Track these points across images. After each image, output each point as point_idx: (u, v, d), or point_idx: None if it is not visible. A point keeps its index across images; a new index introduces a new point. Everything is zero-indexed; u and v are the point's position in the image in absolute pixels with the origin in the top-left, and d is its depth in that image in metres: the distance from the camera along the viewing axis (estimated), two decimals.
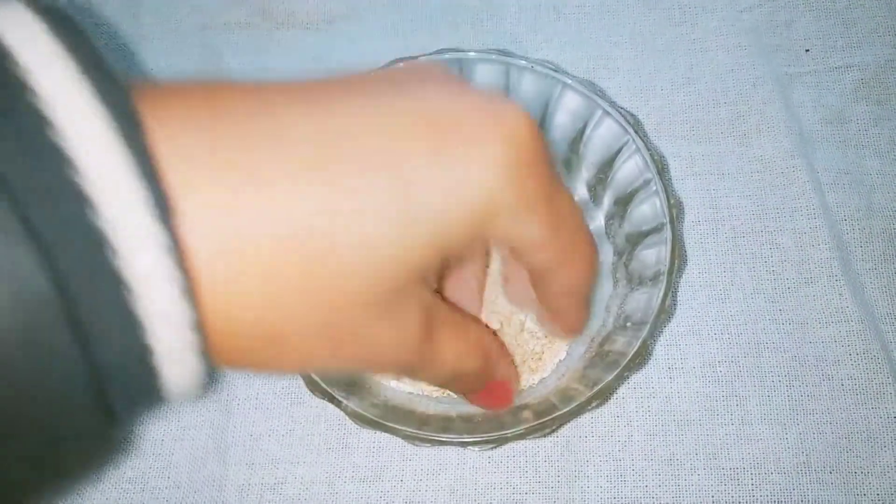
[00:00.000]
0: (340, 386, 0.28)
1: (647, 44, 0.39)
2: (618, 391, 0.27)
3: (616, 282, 0.31)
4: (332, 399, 0.27)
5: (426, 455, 0.32)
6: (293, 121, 0.17)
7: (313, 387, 0.27)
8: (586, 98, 0.31)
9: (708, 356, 0.32)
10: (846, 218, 0.34)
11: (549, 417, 0.27)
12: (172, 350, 0.15)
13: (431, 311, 0.21)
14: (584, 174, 0.33)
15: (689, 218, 0.35)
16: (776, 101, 0.36)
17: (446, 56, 0.31)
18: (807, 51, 0.38)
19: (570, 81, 0.31)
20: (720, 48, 0.38)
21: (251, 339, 0.17)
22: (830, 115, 0.36)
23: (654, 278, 0.29)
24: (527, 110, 0.19)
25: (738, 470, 0.31)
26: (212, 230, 0.15)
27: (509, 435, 0.26)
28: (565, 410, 0.27)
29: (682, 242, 0.30)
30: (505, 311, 0.31)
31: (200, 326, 0.15)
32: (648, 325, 0.27)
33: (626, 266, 0.31)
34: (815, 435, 0.31)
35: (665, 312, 0.27)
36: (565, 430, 0.32)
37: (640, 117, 0.37)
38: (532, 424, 0.27)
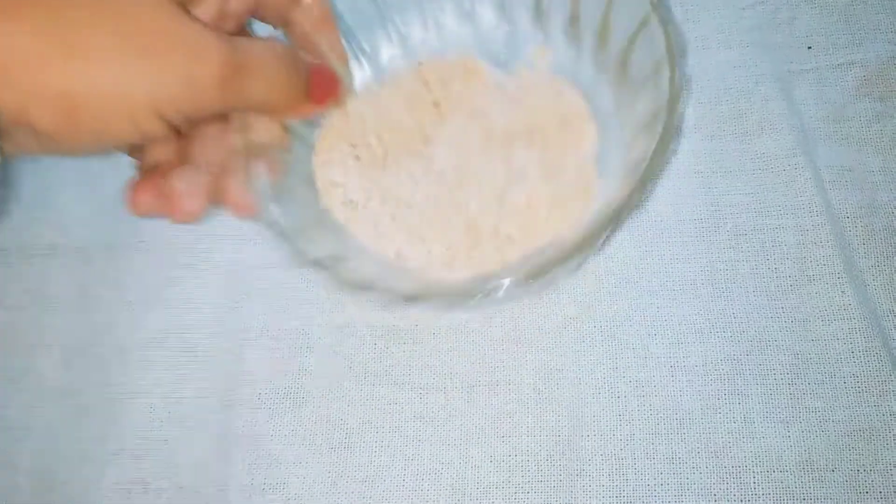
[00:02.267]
0: (324, 261, 0.28)
1: None
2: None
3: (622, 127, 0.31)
4: (319, 265, 0.27)
5: (428, 455, 0.32)
6: None
7: (299, 258, 0.27)
8: None
9: (709, 354, 0.32)
10: (848, 215, 0.34)
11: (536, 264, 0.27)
12: None
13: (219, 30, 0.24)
14: (589, 44, 0.33)
15: (690, 215, 0.35)
16: (778, 98, 0.36)
17: None
18: (809, 48, 0.38)
19: None
20: (722, 45, 0.38)
21: (42, 49, 0.20)
22: (832, 112, 0.36)
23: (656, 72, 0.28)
24: None
25: (740, 468, 0.31)
26: None
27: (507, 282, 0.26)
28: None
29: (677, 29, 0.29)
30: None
31: None
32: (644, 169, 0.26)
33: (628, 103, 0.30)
34: (818, 433, 0.31)
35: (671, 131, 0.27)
36: (565, 431, 0.32)
37: None
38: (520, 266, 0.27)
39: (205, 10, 0.25)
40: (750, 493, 0.30)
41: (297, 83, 0.27)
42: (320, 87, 0.29)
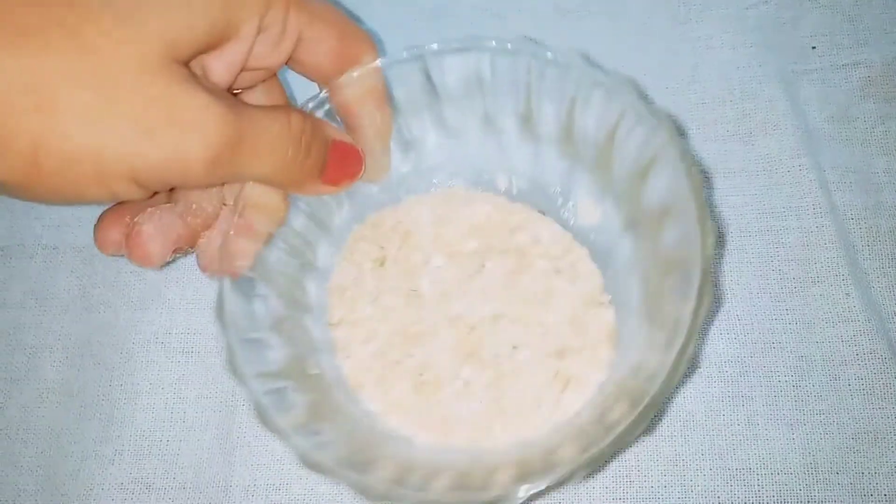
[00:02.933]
0: (299, 423, 0.24)
1: (651, 42, 0.38)
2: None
3: (639, 324, 0.27)
4: (282, 435, 0.24)
5: None
6: None
7: (263, 420, 0.24)
8: (618, 99, 0.27)
9: (714, 356, 0.32)
10: (853, 217, 0.34)
11: (526, 486, 0.22)
12: None
13: (226, 95, 0.22)
14: (616, 191, 0.29)
15: None
16: (782, 98, 0.36)
17: (469, 44, 0.28)
18: (813, 48, 0.38)
19: (601, 77, 0.27)
20: (725, 46, 0.38)
21: (11, 98, 0.19)
22: (837, 113, 0.36)
23: (676, 323, 0.24)
24: None
25: (745, 470, 0.30)
26: None
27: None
28: (547, 483, 0.22)
29: (716, 284, 0.26)
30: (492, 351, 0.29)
31: None
32: (659, 384, 0.23)
33: (652, 303, 0.27)
34: (822, 435, 0.31)
35: (682, 367, 0.23)
36: None
37: None
38: (496, 494, 0.22)
39: (225, 64, 0.23)
40: (754, 495, 0.30)
41: (307, 164, 0.25)
42: (338, 166, 0.26)
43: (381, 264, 0.31)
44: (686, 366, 0.23)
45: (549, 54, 0.28)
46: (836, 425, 0.31)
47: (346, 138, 0.27)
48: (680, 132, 0.27)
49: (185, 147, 0.20)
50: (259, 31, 0.23)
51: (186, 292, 0.35)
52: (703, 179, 0.26)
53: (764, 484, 0.30)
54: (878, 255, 0.33)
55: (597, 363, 0.28)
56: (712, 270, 0.24)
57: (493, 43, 0.28)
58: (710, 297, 0.24)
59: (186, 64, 0.21)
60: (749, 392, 0.32)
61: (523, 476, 0.23)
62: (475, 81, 0.29)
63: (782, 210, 0.34)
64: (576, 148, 0.30)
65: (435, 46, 0.28)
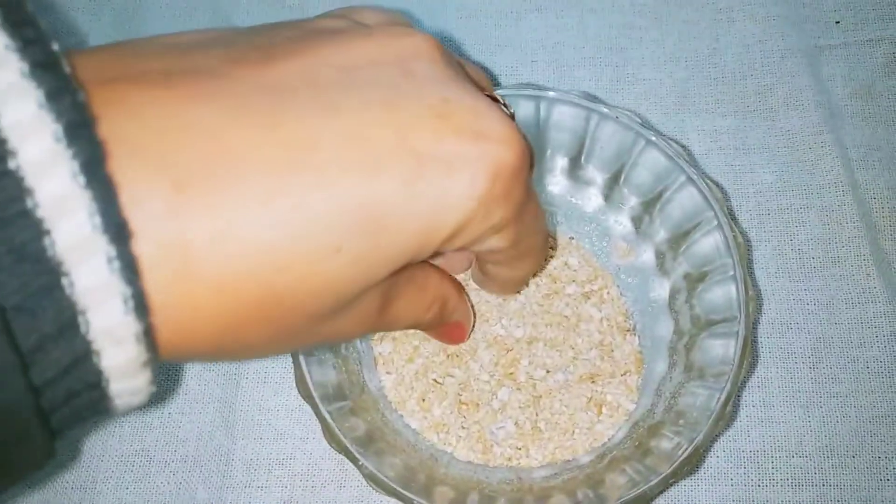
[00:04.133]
0: (358, 441, 0.26)
1: (671, 13, 0.37)
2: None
3: (672, 364, 0.28)
4: (348, 455, 0.25)
5: None
6: (253, 135, 0.16)
7: (332, 439, 0.25)
8: (671, 160, 0.29)
9: None
10: (875, 196, 0.33)
11: None
12: (121, 368, 0.15)
13: (389, 287, 0.20)
14: (655, 239, 0.30)
15: None
16: (804, 74, 0.35)
17: (525, 93, 0.29)
18: (837, 22, 0.36)
19: (654, 138, 0.29)
20: (748, 18, 0.37)
21: (203, 350, 0.17)
22: (860, 89, 0.35)
23: (717, 376, 0.26)
24: (519, 131, 0.18)
25: (759, 452, 0.30)
26: (163, 247, 0.14)
27: None
28: None
29: (756, 341, 0.28)
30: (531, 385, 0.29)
31: (151, 343, 0.15)
32: (704, 431, 0.25)
33: (687, 351, 0.28)
34: (839, 418, 0.30)
35: (724, 419, 0.25)
36: None
37: (664, 90, 0.36)
38: None
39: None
40: (768, 478, 0.29)
41: (424, 329, 0.27)
42: (449, 333, 0.28)
43: None
44: (728, 419, 0.25)
45: (606, 110, 0.29)
46: (854, 408, 0.30)
47: (465, 316, 0.28)
48: (724, 205, 0.28)
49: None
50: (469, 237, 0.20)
51: None
52: (747, 247, 0.28)
53: (778, 466, 0.30)
54: None
55: (626, 390, 0.29)
56: (754, 336, 0.26)
57: (553, 93, 0.29)
58: (751, 361, 0.26)
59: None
60: (765, 373, 0.31)
61: None
62: (532, 121, 0.30)
63: (803, 188, 0.33)
64: (620, 196, 0.31)
65: (500, 91, 0.29)
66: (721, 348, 0.26)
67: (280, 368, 0.32)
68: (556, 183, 0.32)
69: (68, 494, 0.31)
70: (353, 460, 0.25)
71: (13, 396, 0.13)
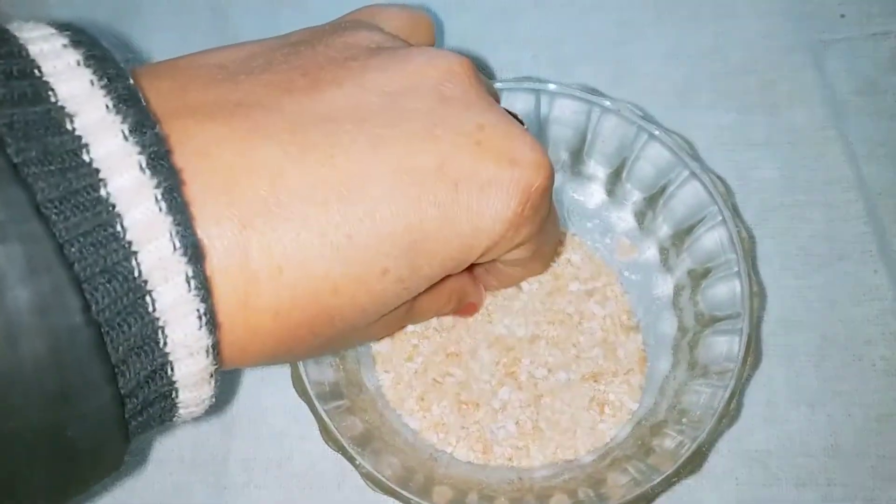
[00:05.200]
0: (356, 440, 0.26)
1: (672, 8, 0.37)
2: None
3: (676, 362, 0.28)
4: (346, 454, 0.25)
5: None
6: (310, 172, 0.17)
7: (329, 437, 0.25)
8: (674, 154, 0.28)
9: None
10: (881, 191, 0.33)
11: None
12: (191, 378, 0.16)
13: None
14: (659, 235, 0.30)
15: None
16: (809, 69, 0.35)
17: (526, 86, 0.29)
18: (842, 17, 0.36)
19: (657, 132, 0.29)
20: (751, 13, 0.36)
21: (257, 362, 0.19)
22: (865, 85, 0.35)
23: (721, 374, 0.26)
24: (546, 155, 0.20)
25: (763, 452, 0.29)
26: (230, 275, 0.16)
27: None
28: None
29: (759, 338, 0.28)
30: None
31: (217, 356, 0.16)
32: (707, 429, 0.24)
33: (691, 348, 0.28)
34: (844, 417, 0.30)
35: (728, 417, 0.25)
36: None
37: (665, 85, 0.36)
38: None
39: None
40: (773, 477, 0.29)
41: (446, 312, 0.27)
42: (460, 313, 0.29)
43: None
44: (731, 416, 0.25)
45: (607, 103, 0.29)
46: (859, 407, 0.30)
47: (479, 298, 0.29)
48: (728, 200, 0.28)
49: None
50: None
51: None
52: (751, 243, 0.28)
53: (783, 466, 0.29)
54: None
55: (629, 389, 0.29)
56: (758, 333, 0.26)
57: (554, 87, 0.29)
58: (755, 358, 0.25)
59: None
60: (770, 372, 0.30)
61: None
62: (533, 115, 0.30)
63: (807, 183, 0.33)
64: (622, 191, 0.31)
65: (500, 84, 0.29)
66: (725, 345, 0.26)
67: (278, 368, 0.32)
68: (557, 179, 0.32)
69: None
70: (351, 459, 0.24)
71: (103, 405, 0.14)
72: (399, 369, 0.29)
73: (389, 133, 0.18)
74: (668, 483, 0.24)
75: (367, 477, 0.24)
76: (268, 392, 0.32)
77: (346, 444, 0.25)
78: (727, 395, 0.25)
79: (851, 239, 0.32)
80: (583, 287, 0.30)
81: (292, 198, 0.17)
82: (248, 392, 0.32)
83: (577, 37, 0.37)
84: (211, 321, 0.16)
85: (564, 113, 0.30)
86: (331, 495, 0.30)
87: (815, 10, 0.36)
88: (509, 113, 0.21)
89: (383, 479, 0.24)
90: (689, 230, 0.29)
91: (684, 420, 0.26)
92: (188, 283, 0.15)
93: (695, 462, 0.24)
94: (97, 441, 0.15)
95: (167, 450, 0.31)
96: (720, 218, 0.27)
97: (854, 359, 0.30)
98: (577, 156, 0.31)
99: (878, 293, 0.31)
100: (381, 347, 0.30)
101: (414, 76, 0.19)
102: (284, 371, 0.32)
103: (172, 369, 0.16)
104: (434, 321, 0.30)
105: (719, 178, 0.28)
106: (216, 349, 0.16)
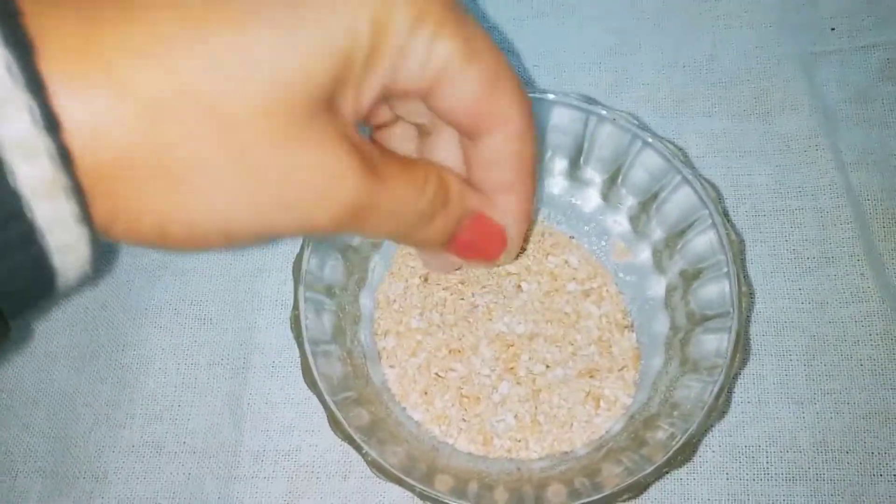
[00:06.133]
0: (362, 430, 0.26)
1: (670, 19, 0.38)
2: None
3: (668, 359, 0.29)
4: (352, 443, 0.26)
5: None
6: None
7: (336, 427, 0.26)
8: (667, 161, 0.29)
9: None
10: (869, 198, 0.34)
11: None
12: (54, 222, 0.14)
13: (362, 146, 0.19)
14: (652, 238, 0.31)
15: None
16: (800, 79, 0.36)
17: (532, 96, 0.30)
18: (832, 29, 0.37)
19: (651, 140, 0.30)
20: (745, 25, 0.38)
21: (139, 175, 0.16)
22: (855, 95, 0.36)
23: (711, 369, 0.27)
24: None
25: (754, 448, 0.30)
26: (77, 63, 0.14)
27: None
28: (594, 498, 0.25)
29: (748, 336, 0.29)
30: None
31: (80, 191, 0.15)
32: (697, 422, 0.25)
33: (682, 345, 0.29)
34: (833, 414, 0.31)
35: (717, 410, 0.26)
36: None
37: (662, 94, 0.37)
38: None
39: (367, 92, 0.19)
40: (763, 472, 0.30)
41: (429, 232, 0.21)
42: (470, 243, 0.23)
43: (426, 280, 0.32)
44: (720, 410, 0.26)
45: (604, 112, 0.30)
46: (847, 405, 0.31)
47: (491, 213, 0.23)
48: (718, 205, 0.29)
49: (315, 216, 0.18)
50: (402, 48, 0.18)
51: (200, 260, 0.35)
52: (740, 245, 0.28)
53: (773, 461, 0.30)
54: (894, 237, 0.33)
55: (624, 385, 0.30)
56: (747, 330, 0.27)
57: (552, 96, 0.30)
58: (743, 354, 0.26)
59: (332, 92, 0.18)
60: (761, 370, 0.31)
61: (573, 495, 0.25)
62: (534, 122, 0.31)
63: (798, 190, 0.34)
64: (618, 196, 0.32)
65: None
66: (715, 342, 0.27)
67: (287, 362, 0.33)
68: (556, 184, 0.33)
69: (80, 485, 0.32)
70: (357, 448, 0.26)
71: None
72: (404, 364, 0.31)
73: None
74: (660, 472, 0.25)
75: (372, 465, 0.25)
76: (277, 387, 0.33)
77: (353, 434, 0.26)
78: (716, 389, 0.26)
79: (840, 243, 0.33)
80: (580, 287, 0.32)
81: None
82: (258, 387, 0.33)
83: (577, 46, 0.38)
84: (49, 118, 0.14)
85: (563, 121, 0.31)
86: (337, 486, 0.31)
87: (806, 23, 0.37)
88: None
89: (388, 467, 0.25)
90: (682, 233, 0.30)
91: (675, 413, 0.27)
92: (10, 73, 0.13)
93: (685, 453, 0.25)
94: None
95: (179, 441, 0.32)
96: (710, 221, 0.28)
97: (842, 358, 0.31)
98: (575, 162, 0.32)
99: (864, 295, 0.32)
100: (386, 343, 0.31)
101: None
102: (293, 366, 0.33)
103: (13, 176, 0.14)
104: (437, 318, 0.31)
105: (710, 183, 0.29)
106: (65, 157, 0.14)
